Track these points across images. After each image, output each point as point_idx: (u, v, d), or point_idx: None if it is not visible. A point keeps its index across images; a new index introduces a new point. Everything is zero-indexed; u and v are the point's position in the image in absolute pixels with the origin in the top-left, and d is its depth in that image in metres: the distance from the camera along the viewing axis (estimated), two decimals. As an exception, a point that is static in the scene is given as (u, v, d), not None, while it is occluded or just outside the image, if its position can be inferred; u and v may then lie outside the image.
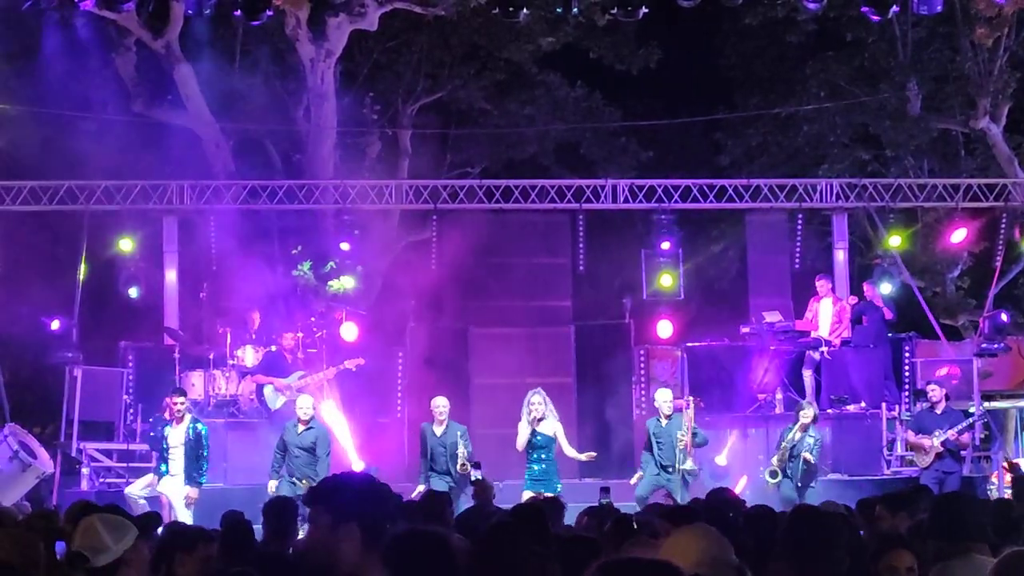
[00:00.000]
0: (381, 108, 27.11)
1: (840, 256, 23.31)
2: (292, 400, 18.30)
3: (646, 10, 18.37)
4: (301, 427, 16.47)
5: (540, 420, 16.06)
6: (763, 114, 29.32)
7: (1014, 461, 20.23)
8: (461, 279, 21.80)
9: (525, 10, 18.93)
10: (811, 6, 20.02)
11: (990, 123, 26.67)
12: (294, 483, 16.05)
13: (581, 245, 22.42)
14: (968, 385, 20.62)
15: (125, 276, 21.84)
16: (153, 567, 6.85)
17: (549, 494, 15.41)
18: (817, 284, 21.60)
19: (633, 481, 16.66)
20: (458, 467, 16.10)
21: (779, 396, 20.34)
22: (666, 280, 21.97)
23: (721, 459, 17.97)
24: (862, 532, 8.44)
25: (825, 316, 21.25)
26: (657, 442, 16.54)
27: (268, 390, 19.32)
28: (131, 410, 20.43)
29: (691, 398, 17.55)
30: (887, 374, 21.09)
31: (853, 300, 21.61)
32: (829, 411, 20.36)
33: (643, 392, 20.85)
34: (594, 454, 16.98)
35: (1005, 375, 22.00)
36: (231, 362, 20.39)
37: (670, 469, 16.36)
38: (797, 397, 20.46)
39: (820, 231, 25.73)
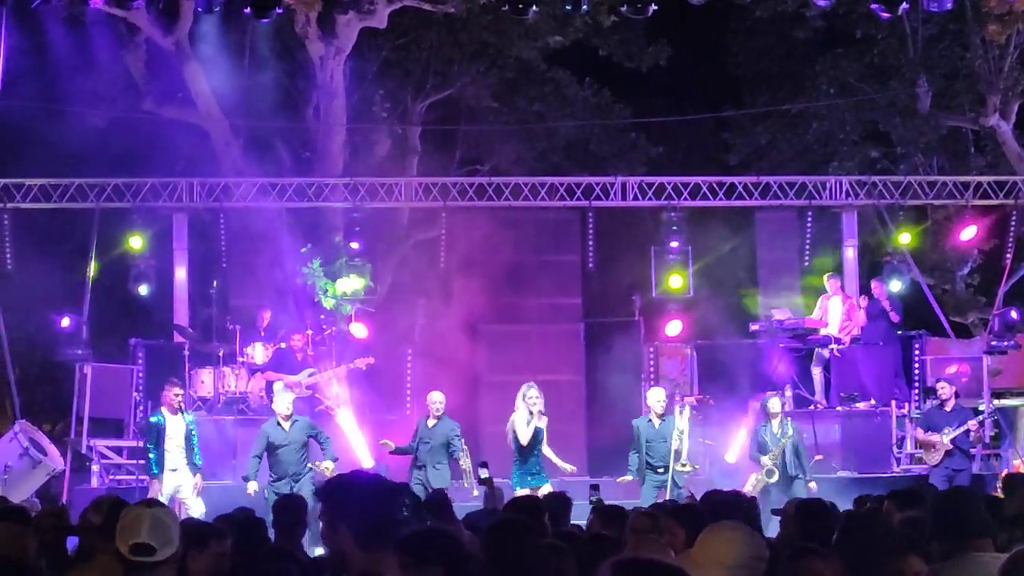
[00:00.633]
0: (390, 105, 27.09)
1: (850, 254, 23.29)
2: (301, 397, 18.33)
3: (655, 7, 18.37)
4: (286, 424, 16.39)
5: (540, 414, 15.95)
6: (772, 111, 29.29)
7: None
8: (470, 276, 21.80)
9: (534, 7, 18.93)
10: (820, 3, 20.01)
11: (1000, 120, 26.63)
12: (277, 487, 15.99)
13: (590, 242, 22.40)
14: (978, 383, 20.61)
15: (135, 273, 21.85)
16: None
17: (545, 488, 15.43)
18: (827, 282, 21.61)
19: (619, 481, 16.56)
20: (477, 480, 15.80)
21: (788, 393, 20.31)
22: (675, 281, 21.94)
23: (731, 457, 17.96)
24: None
25: (835, 313, 21.25)
26: (647, 443, 16.40)
27: (278, 387, 19.34)
28: (141, 407, 20.46)
29: (688, 403, 17.50)
30: (897, 371, 21.09)
31: (864, 302, 21.56)
32: (839, 409, 20.37)
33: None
34: (574, 468, 16.82)
35: (1015, 373, 21.95)
36: (241, 359, 20.44)
37: (661, 470, 16.26)
38: (807, 395, 20.49)
39: (830, 228, 25.67)
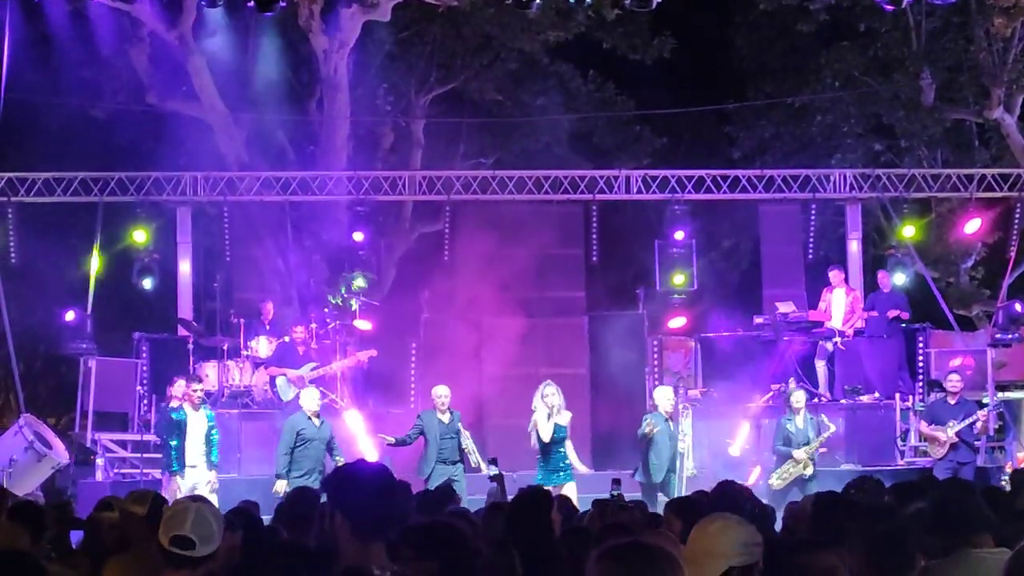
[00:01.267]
0: (394, 99, 27.10)
1: (854, 247, 23.30)
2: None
3: (660, 0, 18.37)
4: (317, 420, 16.33)
5: (559, 411, 15.91)
6: (776, 104, 29.28)
7: None
8: (474, 270, 21.78)
9: (537, 0, 18.92)
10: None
11: (1004, 113, 26.60)
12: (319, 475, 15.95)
13: (594, 236, 22.41)
14: (982, 375, 20.60)
15: (139, 267, 21.87)
16: None
17: (569, 486, 15.41)
18: (830, 275, 21.59)
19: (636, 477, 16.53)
20: (486, 469, 15.86)
21: (792, 387, 20.29)
22: (679, 275, 21.96)
23: (734, 450, 17.97)
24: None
25: (838, 306, 21.24)
26: (657, 440, 16.32)
27: (281, 381, 19.37)
28: (145, 401, 20.50)
29: (689, 406, 17.48)
30: (901, 364, 21.10)
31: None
32: (843, 401, 20.37)
33: (657, 383, 20.82)
34: (588, 470, 16.73)
35: (1019, 365, 21.94)
36: (245, 353, 20.45)
37: (671, 469, 16.24)
38: (811, 388, 20.45)
39: (833, 222, 25.68)
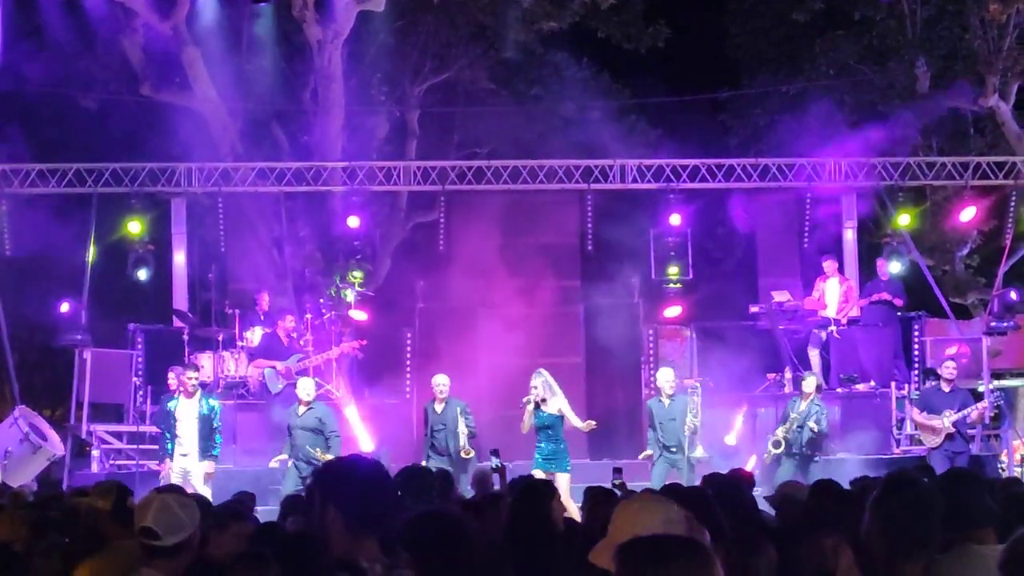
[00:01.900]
0: (388, 89, 27.04)
1: (849, 235, 23.29)
2: (291, 383, 18.29)
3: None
4: (303, 408, 16.39)
5: (543, 402, 15.93)
6: (771, 93, 29.26)
7: None
8: (470, 260, 21.80)
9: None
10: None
11: (999, 101, 26.60)
12: (298, 467, 16.01)
13: (590, 225, 22.40)
14: (977, 364, 20.62)
15: (134, 258, 21.83)
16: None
17: (561, 473, 15.44)
18: (824, 264, 21.60)
19: (641, 457, 16.61)
20: (462, 451, 16.11)
21: (788, 375, 20.32)
22: (674, 263, 21.97)
23: (731, 439, 17.99)
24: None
25: (832, 295, 21.25)
26: (659, 423, 16.47)
27: (269, 373, 19.33)
28: (140, 392, 20.50)
29: (698, 383, 17.51)
30: (896, 353, 21.10)
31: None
32: (838, 390, 20.38)
33: (652, 372, 20.83)
34: (594, 423, 16.76)
35: (1014, 353, 21.96)
36: (240, 344, 20.45)
37: (673, 449, 16.33)
38: (808, 373, 20.47)
39: (829, 210, 25.63)
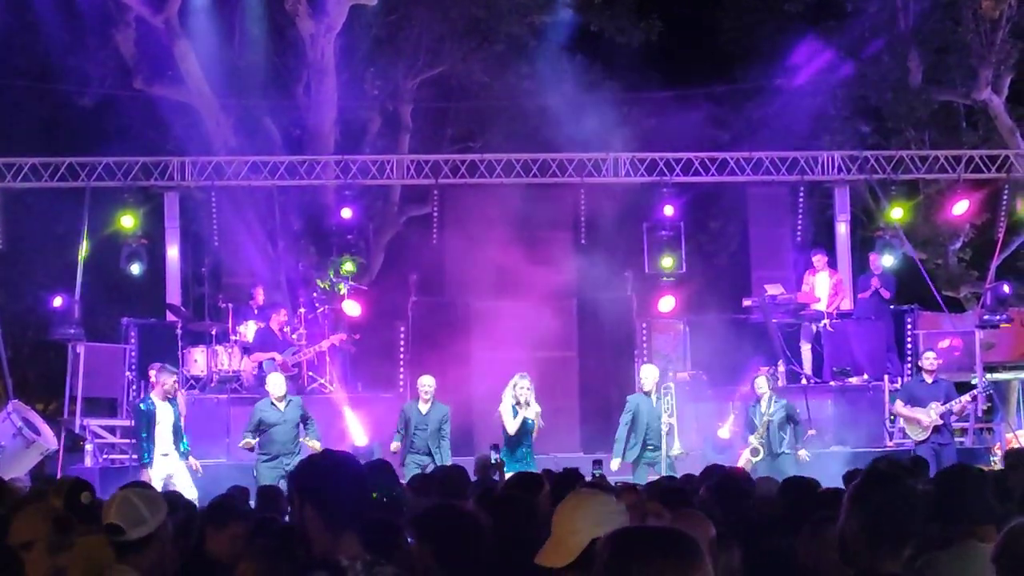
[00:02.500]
0: (381, 83, 27.05)
1: (842, 229, 23.32)
2: (290, 375, 18.30)
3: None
4: (281, 404, 16.31)
5: (527, 404, 15.93)
6: (764, 86, 29.25)
7: None
8: (462, 253, 21.79)
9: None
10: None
11: (992, 94, 26.63)
12: (282, 461, 15.91)
13: (583, 218, 22.41)
14: (970, 357, 20.65)
15: (127, 253, 21.79)
16: (181, 540, 6.81)
17: None
18: (814, 258, 21.59)
19: (614, 467, 16.11)
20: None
21: (781, 369, 20.33)
22: (668, 257, 21.96)
23: (723, 432, 17.95)
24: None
25: (822, 289, 21.26)
26: (647, 422, 16.34)
27: (267, 365, 19.29)
28: (134, 387, 20.46)
29: (677, 380, 17.47)
30: (889, 346, 21.11)
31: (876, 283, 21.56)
32: (832, 383, 20.39)
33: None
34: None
35: (1007, 346, 22.00)
36: (233, 338, 20.44)
37: (653, 447, 16.27)
38: (799, 370, 20.48)
39: (822, 204, 25.68)
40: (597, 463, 13.10)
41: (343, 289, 21.27)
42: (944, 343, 20.76)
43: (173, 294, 22.42)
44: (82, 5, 23.62)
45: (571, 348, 21.40)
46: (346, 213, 21.82)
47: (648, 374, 16.77)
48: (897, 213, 22.67)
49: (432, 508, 5.35)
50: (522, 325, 20.85)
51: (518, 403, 15.88)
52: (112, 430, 20.27)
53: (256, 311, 20.76)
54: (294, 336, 20.30)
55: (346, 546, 4.75)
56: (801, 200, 22.82)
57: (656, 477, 14.52)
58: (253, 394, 19.68)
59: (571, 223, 22.55)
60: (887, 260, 21.92)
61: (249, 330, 20.28)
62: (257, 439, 16.21)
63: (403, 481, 10.73)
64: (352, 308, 21.00)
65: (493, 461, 13.48)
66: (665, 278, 22.20)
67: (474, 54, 27.69)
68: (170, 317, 21.78)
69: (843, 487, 8.44)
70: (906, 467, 9.26)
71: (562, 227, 22.60)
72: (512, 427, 15.86)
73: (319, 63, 23.96)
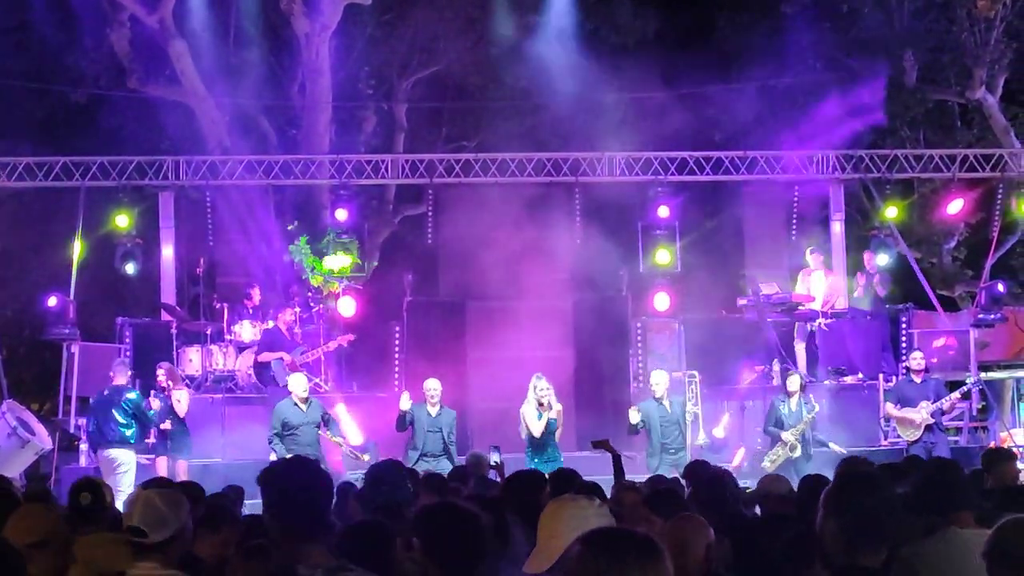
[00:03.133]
0: (376, 82, 27.06)
1: (837, 228, 23.31)
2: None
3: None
4: (304, 405, 16.34)
5: (549, 406, 15.95)
6: (759, 85, 29.24)
7: None
8: (458, 253, 21.79)
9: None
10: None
11: (986, 94, 26.66)
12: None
13: (578, 217, 22.40)
14: (965, 356, 20.65)
15: (121, 252, 21.75)
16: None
17: None
18: (809, 257, 21.61)
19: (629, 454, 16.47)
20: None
21: (776, 368, 20.32)
22: (663, 256, 21.96)
23: (719, 431, 17.96)
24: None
25: (818, 289, 21.26)
26: (661, 426, 16.37)
27: (276, 365, 19.23)
28: (128, 387, 20.41)
29: (695, 372, 17.53)
30: (884, 345, 21.12)
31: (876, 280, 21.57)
32: (827, 383, 20.40)
33: (641, 365, 20.87)
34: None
35: (1002, 345, 22.01)
36: (228, 337, 20.43)
37: (674, 450, 16.28)
38: (794, 369, 20.48)
39: (816, 203, 25.67)
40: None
41: (337, 288, 21.26)
42: (939, 342, 20.78)
43: (168, 294, 22.39)
44: (76, 5, 23.60)
45: (566, 347, 21.38)
46: (341, 215, 21.80)
47: (658, 380, 16.72)
48: (892, 212, 22.68)
49: (432, 508, 5.35)
50: (517, 325, 20.86)
51: (541, 404, 15.89)
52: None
53: (251, 311, 20.74)
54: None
55: (307, 556, 4.73)
56: (796, 199, 22.82)
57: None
58: (248, 393, 19.71)
59: (566, 223, 22.54)
60: (882, 259, 21.92)
61: (244, 330, 20.26)
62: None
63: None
64: (347, 308, 20.97)
65: (493, 463, 13.48)
66: (660, 277, 22.19)
67: (469, 53, 27.68)
68: (165, 317, 21.75)
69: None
70: (880, 467, 9.34)
71: (557, 226, 22.59)
72: (537, 429, 15.86)
73: (314, 62, 23.95)
